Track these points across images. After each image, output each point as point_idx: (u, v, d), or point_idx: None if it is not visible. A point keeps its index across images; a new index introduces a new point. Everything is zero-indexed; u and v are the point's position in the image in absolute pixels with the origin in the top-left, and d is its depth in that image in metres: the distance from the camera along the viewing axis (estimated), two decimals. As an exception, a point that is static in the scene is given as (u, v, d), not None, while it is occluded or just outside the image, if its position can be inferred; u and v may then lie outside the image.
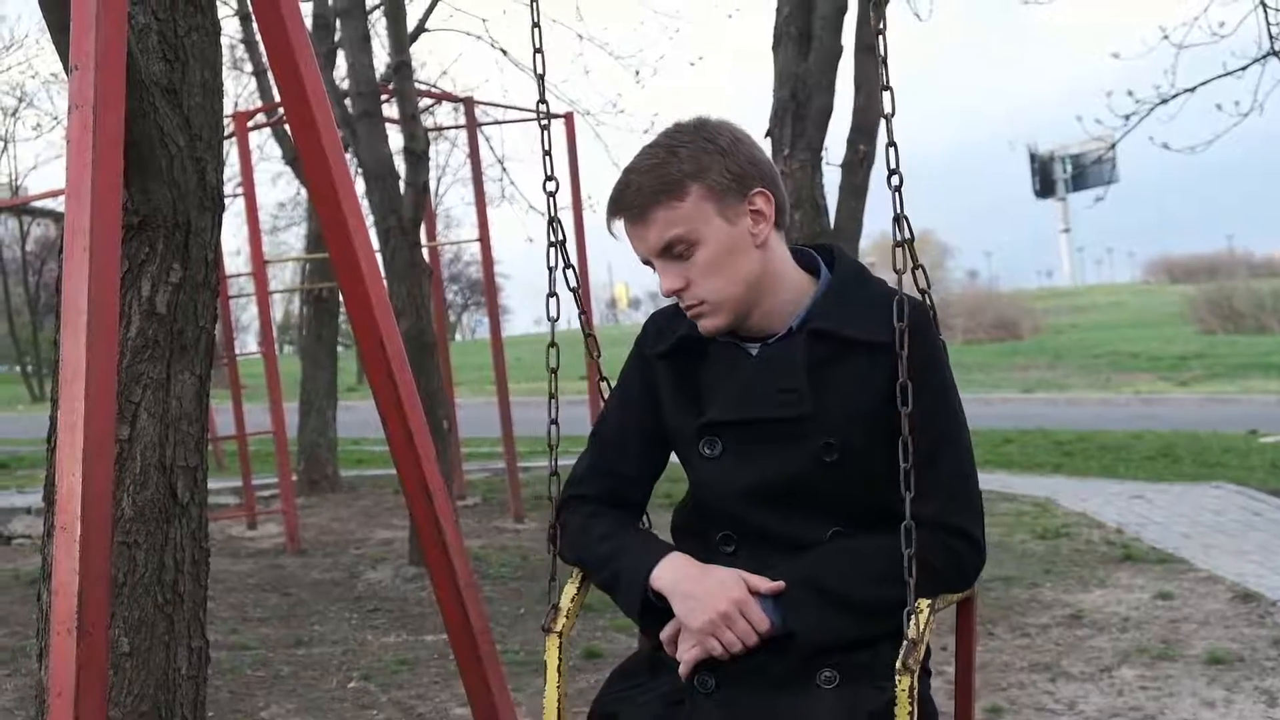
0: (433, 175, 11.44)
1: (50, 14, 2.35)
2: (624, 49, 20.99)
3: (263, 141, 16.60)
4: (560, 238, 2.27)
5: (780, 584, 1.87)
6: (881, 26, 2.01)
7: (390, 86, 8.32)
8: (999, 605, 5.89)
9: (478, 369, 28.23)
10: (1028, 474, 11.16)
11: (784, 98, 5.90)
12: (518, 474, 9.49)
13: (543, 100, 2.39)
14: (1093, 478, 10.81)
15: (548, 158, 2.35)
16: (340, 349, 15.05)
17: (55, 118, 19.74)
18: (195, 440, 2.68)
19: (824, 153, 6.00)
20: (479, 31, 13.07)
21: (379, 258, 4.08)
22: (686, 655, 1.88)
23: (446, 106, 12.35)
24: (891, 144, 1.95)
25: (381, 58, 9.92)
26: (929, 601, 1.82)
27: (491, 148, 14.65)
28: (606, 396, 2.19)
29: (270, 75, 5.90)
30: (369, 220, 5.68)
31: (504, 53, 12.77)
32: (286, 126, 8.28)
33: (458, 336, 57.43)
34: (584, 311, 2.37)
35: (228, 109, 7.93)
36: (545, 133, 2.37)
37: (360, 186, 7.09)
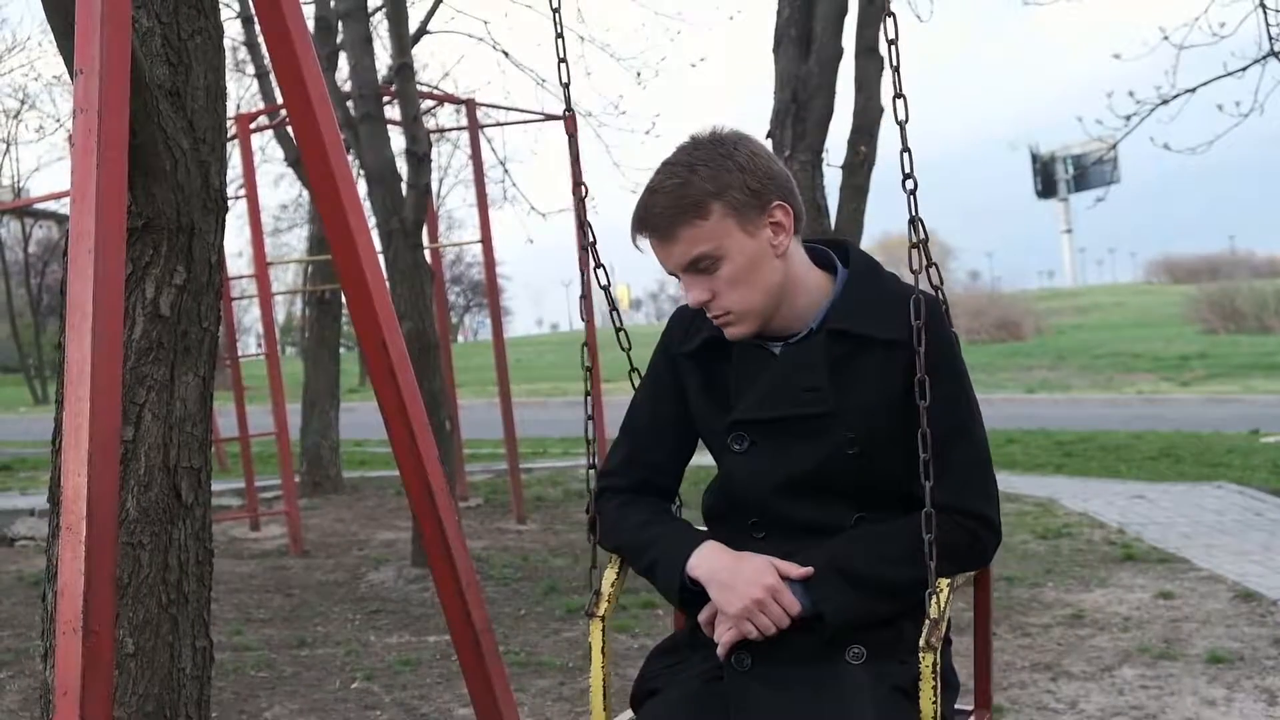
0: (434, 177, 11.44)
1: (54, 18, 2.36)
2: (625, 50, 21.03)
3: (265, 143, 16.67)
4: (592, 239, 2.37)
5: (809, 569, 1.97)
6: (894, 36, 2.07)
7: (392, 88, 8.34)
8: (1000, 605, 5.90)
9: (480, 370, 28.26)
10: (1030, 474, 11.16)
11: (785, 99, 5.92)
12: (520, 475, 9.49)
13: (569, 109, 2.51)
14: (1094, 478, 10.81)
15: (576, 165, 2.46)
16: (343, 350, 15.05)
17: (58, 120, 19.74)
18: (199, 441, 2.69)
19: (825, 154, 6.01)
20: (481, 33, 13.04)
21: (381, 259, 4.09)
22: (724, 638, 1.99)
23: (448, 108, 12.34)
24: (905, 150, 2.03)
25: (383, 60, 9.95)
26: (948, 581, 1.93)
27: (493, 149, 14.71)
28: (636, 388, 2.29)
29: (272, 77, 5.91)
30: (371, 222, 5.70)
31: (506, 55, 12.81)
32: (289, 128, 8.31)
33: (460, 338, 57.46)
34: (613, 308, 2.45)
35: (230, 111, 7.95)
36: (572, 139, 2.51)
37: (362, 188, 7.10)
